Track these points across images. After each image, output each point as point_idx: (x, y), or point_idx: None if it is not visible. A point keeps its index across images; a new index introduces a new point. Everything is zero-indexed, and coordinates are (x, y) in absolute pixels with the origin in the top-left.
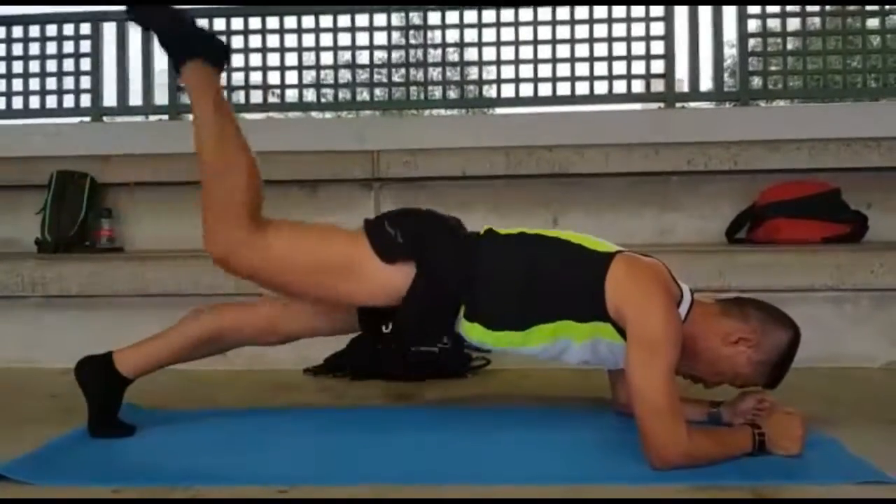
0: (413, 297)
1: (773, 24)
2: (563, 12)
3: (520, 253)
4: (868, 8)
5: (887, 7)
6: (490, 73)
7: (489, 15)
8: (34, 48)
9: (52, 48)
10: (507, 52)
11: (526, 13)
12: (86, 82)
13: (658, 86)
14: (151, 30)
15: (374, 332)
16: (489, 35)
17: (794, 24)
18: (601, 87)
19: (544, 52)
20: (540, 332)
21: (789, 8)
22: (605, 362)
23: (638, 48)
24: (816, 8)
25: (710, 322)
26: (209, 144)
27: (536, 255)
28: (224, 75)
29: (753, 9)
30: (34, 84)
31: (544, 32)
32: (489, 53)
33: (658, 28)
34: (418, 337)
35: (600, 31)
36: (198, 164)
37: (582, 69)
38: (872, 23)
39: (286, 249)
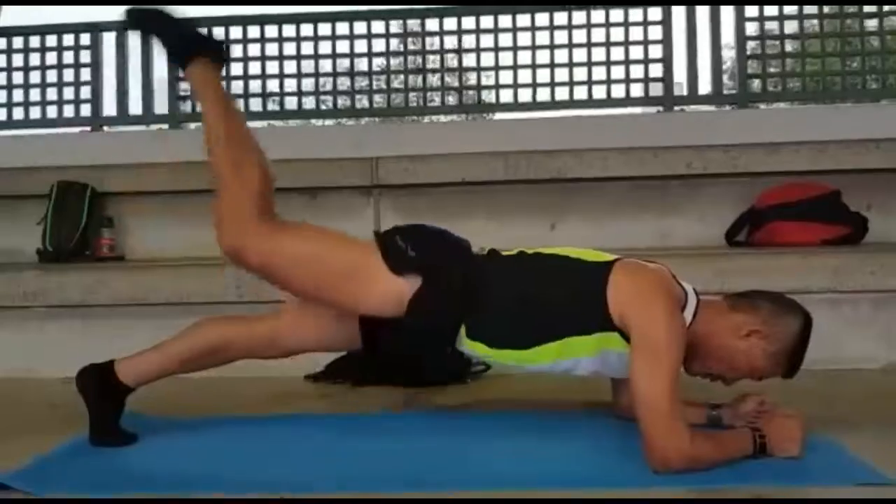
0: (416, 307)
1: (772, 26)
2: (560, 17)
3: (519, 275)
4: (866, 9)
5: (885, 8)
6: (488, 78)
7: (487, 21)
8: (34, 59)
9: (51, 58)
10: (506, 58)
11: (524, 19)
12: (85, 92)
13: (657, 89)
14: (152, 33)
15: (374, 348)
16: (487, 41)
17: (792, 26)
18: (599, 92)
19: (542, 57)
20: (546, 350)
21: (787, 10)
22: (616, 372)
23: (636, 52)
24: (815, 10)
25: (720, 319)
26: (219, 140)
27: (535, 276)
28: (224, 84)
29: (751, 11)
30: (34, 94)
31: (542, 38)
32: (487, 59)
33: (656, 32)
34: (418, 346)
35: (598, 35)
36: (210, 158)
37: (580, 74)
38: (871, 24)
39: (297, 244)
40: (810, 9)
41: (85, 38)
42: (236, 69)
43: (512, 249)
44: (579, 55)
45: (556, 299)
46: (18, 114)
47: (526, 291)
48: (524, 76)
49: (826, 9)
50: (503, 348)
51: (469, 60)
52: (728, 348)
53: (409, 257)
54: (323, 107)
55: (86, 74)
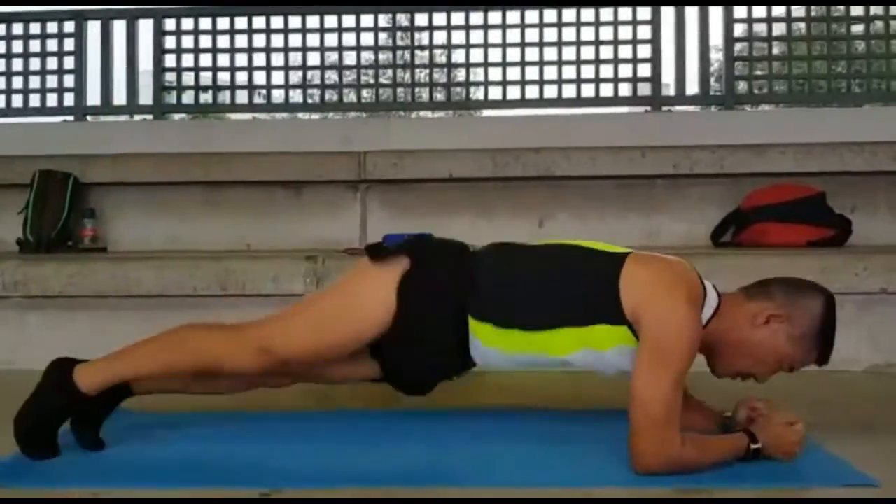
0: (408, 288)
1: (759, 28)
2: (550, 15)
3: (524, 257)
4: (853, 13)
5: (871, 13)
6: (477, 75)
7: (476, 17)
8: (17, 46)
9: (35, 46)
10: (495, 55)
11: (513, 15)
12: (69, 81)
13: (645, 89)
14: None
15: (388, 370)
16: (476, 37)
17: (779, 28)
18: (588, 90)
19: (532, 54)
20: (554, 337)
21: (775, 13)
22: (621, 370)
23: (625, 51)
24: (802, 13)
25: (737, 311)
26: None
27: (542, 258)
28: (210, 75)
29: (740, 13)
30: (17, 82)
31: (532, 35)
32: (476, 55)
33: (645, 32)
34: (422, 341)
35: (587, 34)
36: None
37: (569, 72)
38: (857, 28)
39: (297, 326)
40: (798, 12)
41: (69, 27)
42: (223, 60)
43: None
44: (568, 53)
45: (565, 284)
46: (0, 102)
47: (533, 271)
48: (513, 73)
49: (813, 12)
50: (511, 328)
51: (458, 56)
52: (749, 340)
53: (391, 246)
54: (310, 100)
55: (69, 63)
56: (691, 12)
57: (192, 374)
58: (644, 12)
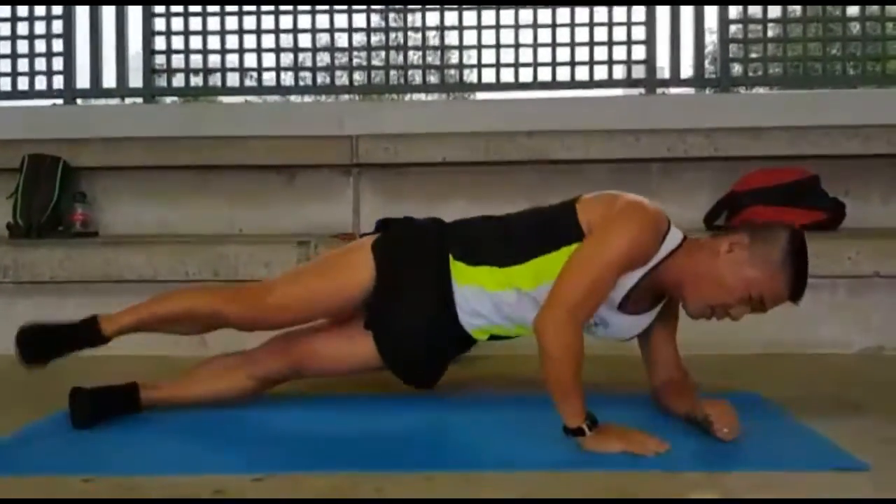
0: (385, 242)
1: (755, 10)
2: None
3: (491, 217)
4: None
5: None
6: (471, 57)
7: None
8: (5, 29)
9: (23, 29)
10: (489, 37)
11: None
12: (58, 64)
13: (639, 72)
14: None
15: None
16: (470, 18)
17: (774, 11)
18: (582, 73)
19: (526, 36)
20: (522, 271)
21: None
22: None
23: (619, 33)
24: None
25: (702, 247)
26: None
27: (508, 215)
28: (200, 57)
29: None
30: (5, 65)
31: (526, 17)
32: (470, 37)
33: (640, 13)
34: (404, 303)
35: (582, 15)
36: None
37: (563, 54)
38: (852, 10)
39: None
40: None
41: (57, 9)
42: (213, 43)
43: None
44: (563, 35)
45: (530, 223)
46: None
47: (503, 219)
48: (507, 56)
49: None
50: (480, 265)
51: (451, 38)
52: (715, 269)
53: (377, 226)
54: (302, 83)
55: (58, 46)
56: None
57: (191, 323)
58: None
